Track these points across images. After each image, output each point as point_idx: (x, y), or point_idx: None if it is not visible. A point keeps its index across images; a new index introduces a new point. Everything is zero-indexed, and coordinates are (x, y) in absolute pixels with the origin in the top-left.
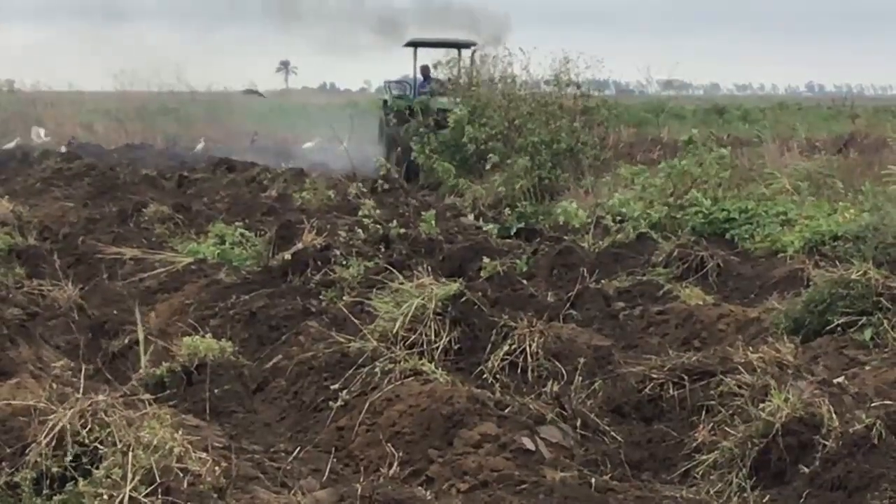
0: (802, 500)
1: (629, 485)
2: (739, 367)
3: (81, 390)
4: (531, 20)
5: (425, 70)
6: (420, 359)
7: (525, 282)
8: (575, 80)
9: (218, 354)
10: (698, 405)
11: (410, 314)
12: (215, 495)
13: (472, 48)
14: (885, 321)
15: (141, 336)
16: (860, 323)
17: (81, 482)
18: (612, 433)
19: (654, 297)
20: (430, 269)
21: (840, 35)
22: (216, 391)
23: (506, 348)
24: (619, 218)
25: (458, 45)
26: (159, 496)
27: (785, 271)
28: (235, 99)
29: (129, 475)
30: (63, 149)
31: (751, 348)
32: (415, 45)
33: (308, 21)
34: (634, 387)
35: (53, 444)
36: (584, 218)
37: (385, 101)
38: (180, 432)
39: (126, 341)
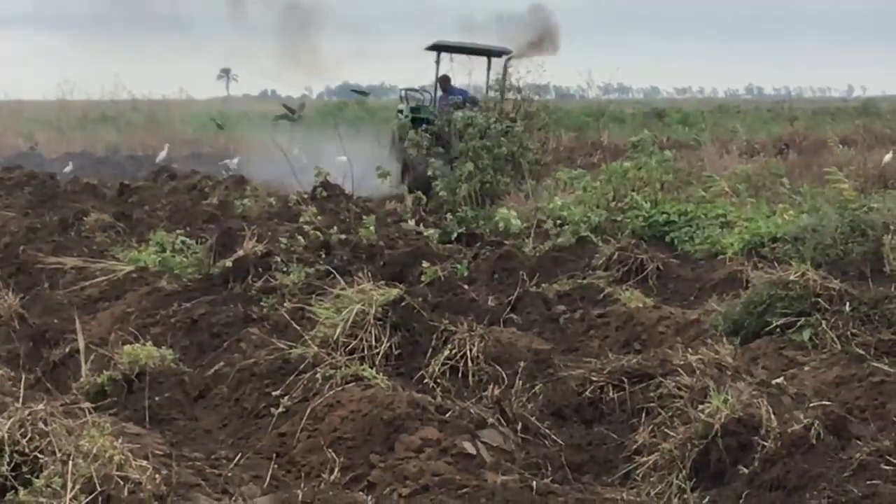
0: (742, 500)
1: (570, 487)
2: (679, 369)
3: (21, 399)
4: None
5: (445, 81)
6: (361, 364)
7: (466, 286)
8: (516, 84)
9: (159, 362)
10: (638, 407)
11: (351, 320)
12: (156, 503)
13: (507, 56)
14: (824, 322)
15: (82, 345)
16: (799, 324)
17: (21, 491)
18: (553, 436)
19: (595, 300)
20: (370, 274)
21: (779, 37)
22: (157, 399)
23: (446, 353)
24: (559, 222)
25: (490, 53)
26: None
27: (724, 273)
28: (175, 106)
29: (70, 484)
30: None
31: (690, 350)
32: (438, 48)
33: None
34: (575, 390)
35: None
36: (520, 225)
37: (400, 111)
38: (120, 440)
39: (67, 350)
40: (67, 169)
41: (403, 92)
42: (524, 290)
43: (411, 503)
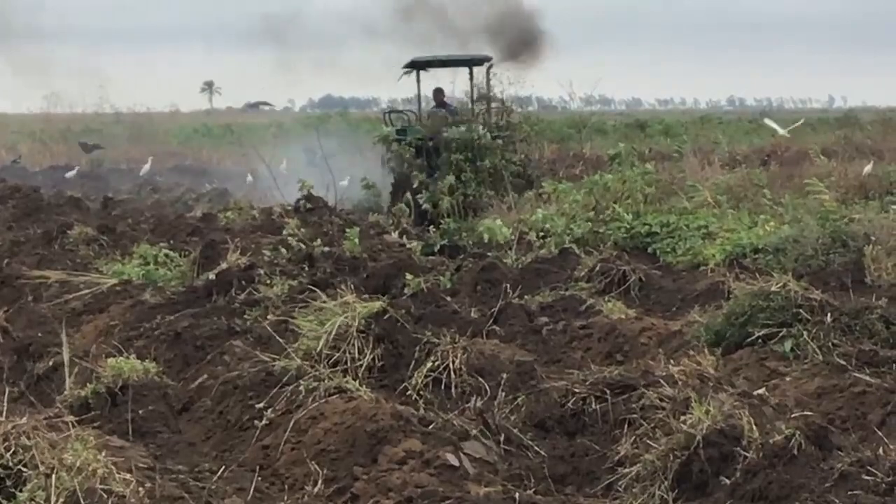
0: None
1: (553, 499)
2: (661, 380)
3: (5, 413)
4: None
5: (439, 95)
6: (344, 376)
7: (449, 298)
8: (499, 96)
9: (142, 375)
10: (620, 419)
11: (334, 332)
12: None
13: (488, 64)
14: (805, 332)
15: (66, 358)
16: (780, 335)
17: None
18: (536, 448)
19: (577, 311)
20: (354, 286)
21: (760, 49)
22: (140, 412)
23: (429, 365)
24: (542, 233)
25: (470, 62)
26: None
27: (706, 284)
28: (158, 119)
29: (53, 497)
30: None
31: (672, 361)
32: (417, 66)
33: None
34: (557, 401)
35: None
36: (507, 234)
37: (386, 137)
38: (104, 454)
39: (51, 363)
40: (70, 174)
41: (386, 114)
42: (507, 301)
43: None
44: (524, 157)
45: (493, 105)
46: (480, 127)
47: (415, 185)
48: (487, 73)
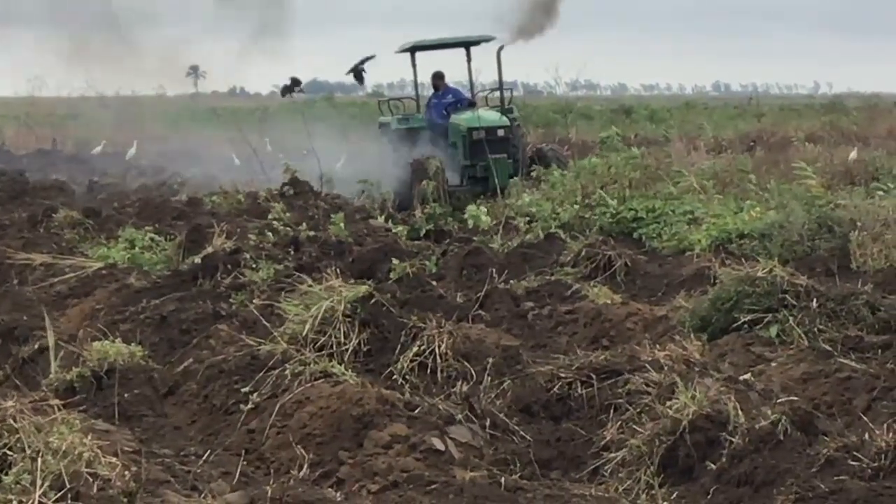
0: (710, 496)
1: (538, 484)
2: (647, 365)
3: None
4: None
5: (438, 79)
6: (330, 361)
7: (434, 283)
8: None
9: (128, 359)
10: (606, 404)
11: (320, 316)
12: (125, 500)
13: (498, 44)
14: (791, 318)
15: (51, 341)
16: (766, 320)
17: None
18: (521, 432)
19: (563, 296)
20: (339, 271)
21: (746, 34)
22: (126, 396)
23: (415, 349)
24: (528, 218)
25: (468, 43)
26: (69, 501)
27: (692, 270)
28: (143, 103)
29: (39, 481)
30: None
31: (658, 346)
32: (413, 49)
33: None
34: (543, 386)
35: None
36: (489, 221)
37: (384, 124)
38: (90, 437)
39: (36, 347)
40: (97, 150)
41: (386, 103)
42: (492, 286)
43: (380, 499)
44: (545, 145)
45: (486, 91)
46: (499, 113)
47: (432, 172)
48: (498, 55)
